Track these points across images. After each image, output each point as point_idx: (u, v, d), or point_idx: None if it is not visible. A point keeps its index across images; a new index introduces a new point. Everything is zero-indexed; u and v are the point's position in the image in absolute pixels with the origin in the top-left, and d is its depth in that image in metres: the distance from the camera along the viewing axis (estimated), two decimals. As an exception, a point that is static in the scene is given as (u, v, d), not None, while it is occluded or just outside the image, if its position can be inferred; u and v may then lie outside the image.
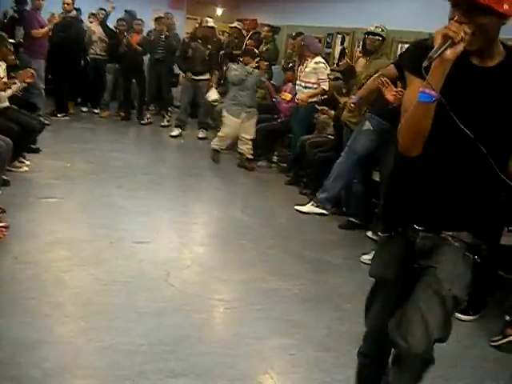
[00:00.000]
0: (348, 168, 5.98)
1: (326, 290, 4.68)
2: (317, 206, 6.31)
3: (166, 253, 5.04)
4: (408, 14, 7.74)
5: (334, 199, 6.31)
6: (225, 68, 10.13)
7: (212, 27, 10.12)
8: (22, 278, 4.17)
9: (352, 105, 5.97)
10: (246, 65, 8.12)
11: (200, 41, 9.68)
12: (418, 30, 7.44)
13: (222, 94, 9.47)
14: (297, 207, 6.45)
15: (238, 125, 7.95)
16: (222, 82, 10.38)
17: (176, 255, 5.04)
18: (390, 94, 5.00)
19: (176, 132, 9.95)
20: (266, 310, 4.22)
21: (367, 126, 5.67)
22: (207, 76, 9.85)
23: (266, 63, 9.08)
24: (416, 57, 2.14)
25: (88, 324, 3.69)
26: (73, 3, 10.09)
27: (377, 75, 5.32)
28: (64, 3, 9.91)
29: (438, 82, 2.05)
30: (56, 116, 10.03)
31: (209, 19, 10.13)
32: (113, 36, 10.83)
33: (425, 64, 2.01)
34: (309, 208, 6.34)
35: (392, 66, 5.17)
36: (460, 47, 2.00)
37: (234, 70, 8.11)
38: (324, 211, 6.29)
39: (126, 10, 11.25)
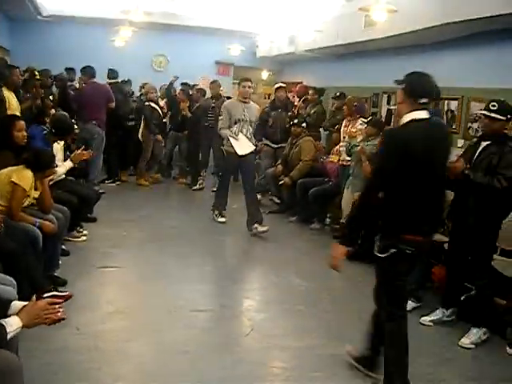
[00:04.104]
0: None
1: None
2: None
3: (225, 321, 5.05)
4: (455, 69, 7.77)
5: None
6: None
7: (284, 87, 10.33)
8: (83, 349, 4.22)
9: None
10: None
11: (280, 110, 9.92)
12: (468, 87, 7.50)
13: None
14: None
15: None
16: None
17: (235, 323, 5.04)
18: None
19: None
20: (328, 378, 4.17)
21: None
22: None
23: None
24: None
25: (152, 395, 3.72)
26: None
27: None
28: None
29: None
30: (104, 183, 10.38)
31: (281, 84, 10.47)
32: (174, 104, 11.28)
33: None
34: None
35: None
36: None
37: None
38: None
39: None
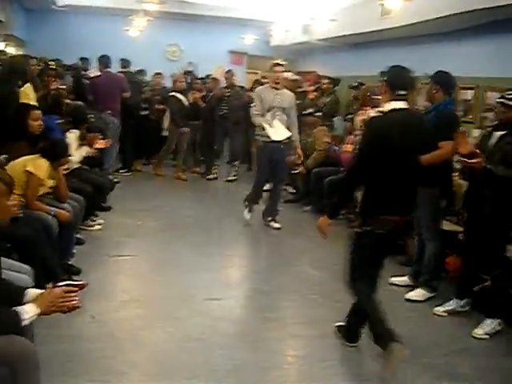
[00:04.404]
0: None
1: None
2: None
3: (239, 309, 5.09)
4: (472, 59, 7.72)
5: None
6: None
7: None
8: (98, 337, 4.26)
9: None
10: None
11: None
12: (484, 76, 7.44)
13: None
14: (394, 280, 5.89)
15: None
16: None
17: (248, 311, 5.08)
18: None
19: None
20: (340, 366, 4.20)
21: None
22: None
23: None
24: None
25: (165, 383, 3.74)
26: None
27: None
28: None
29: None
30: (119, 172, 10.37)
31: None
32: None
33: None
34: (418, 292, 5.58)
35: None
36: None
37: None
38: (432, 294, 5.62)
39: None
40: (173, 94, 10.42)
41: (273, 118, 7.28)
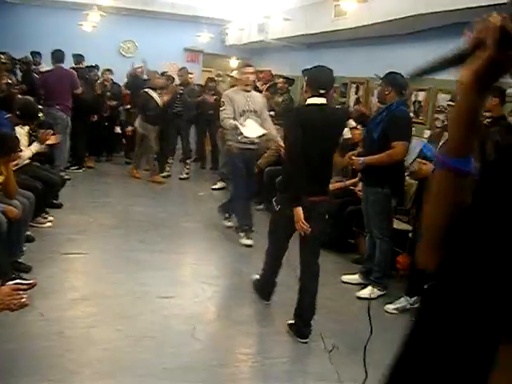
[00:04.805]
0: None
1: (352, 341, 4.63)
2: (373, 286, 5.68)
3: (191, 307, 5.05)
4: (420, 62, 7.84)
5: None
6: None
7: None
8: (47, 335, 4.20)
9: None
10: None
11: None
12: (436, 78, 7.56)
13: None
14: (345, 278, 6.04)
15: None
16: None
17: (201, 309, 5.05)
18: None
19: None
20: (291, 363, 4.23)
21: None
22: None
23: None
24: None
25: (116, 381, 3.71)
26: None
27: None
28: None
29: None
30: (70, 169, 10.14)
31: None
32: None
33: None
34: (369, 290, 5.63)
35: None
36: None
37: None
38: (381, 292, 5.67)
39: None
40: (146, 90, 10.22)
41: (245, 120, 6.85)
